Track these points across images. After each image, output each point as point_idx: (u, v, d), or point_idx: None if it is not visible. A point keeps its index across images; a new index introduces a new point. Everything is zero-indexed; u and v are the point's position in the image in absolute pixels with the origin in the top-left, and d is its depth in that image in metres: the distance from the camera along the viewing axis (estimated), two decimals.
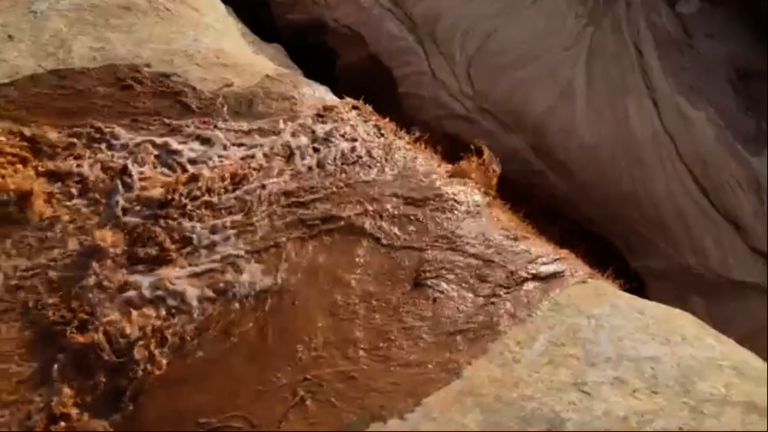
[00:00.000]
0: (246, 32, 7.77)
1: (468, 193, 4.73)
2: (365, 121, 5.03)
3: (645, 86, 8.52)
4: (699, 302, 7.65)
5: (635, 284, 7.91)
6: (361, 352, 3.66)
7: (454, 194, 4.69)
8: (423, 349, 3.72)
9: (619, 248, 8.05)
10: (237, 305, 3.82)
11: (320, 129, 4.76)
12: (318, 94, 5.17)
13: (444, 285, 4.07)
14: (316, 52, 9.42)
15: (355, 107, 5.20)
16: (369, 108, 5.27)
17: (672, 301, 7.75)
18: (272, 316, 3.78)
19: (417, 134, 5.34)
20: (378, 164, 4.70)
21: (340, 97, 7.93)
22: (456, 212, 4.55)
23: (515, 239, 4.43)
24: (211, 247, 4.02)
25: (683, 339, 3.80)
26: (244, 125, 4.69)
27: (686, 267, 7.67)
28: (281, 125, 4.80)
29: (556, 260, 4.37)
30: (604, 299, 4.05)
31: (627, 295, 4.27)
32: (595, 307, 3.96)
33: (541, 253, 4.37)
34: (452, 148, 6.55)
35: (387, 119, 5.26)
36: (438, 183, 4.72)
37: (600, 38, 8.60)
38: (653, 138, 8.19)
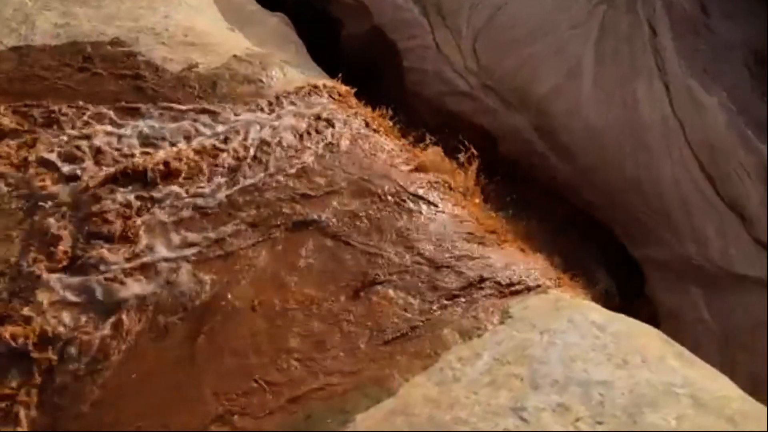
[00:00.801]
0: (248, 1, 7.44)
1: (432, 191, 4.39)
2: (337, 108, 4.69)
3: (657, 68, 8.04)
4: (697, 293, 7.31)
5: (633, 273, 7.60)
6: (294, 362, 3.44)
7: (416, 191, 4.38)
8: (359, 361, 3.48)
9: (619, 236, 7.68)
10: (170, 308, 3.59)
11: (280, 116, 4.43)
12: (290, 76, 4.83)
13: (390, 292, 3.81)
14: (320, 22, 9.05)
15: (330, 91, 4.84)
16: (346, 90, 4.92)
17: (671, 291, 7.53)
18: (205, 321, 3.55)
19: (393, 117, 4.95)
20: (337, 157, 4.40)
21: (342, 70, 7.60)
22: (416, 211, 4.25)
23: (479, 243, 4.13)
24: (148, 245, 3.77)
25: (643, 361, 3.49)
26: (204, 110, 4.39)
27: (686, 257, 7.30)
28: (240, 111, 4.50)
29: (518, 267, 4.04)
30: (563, 313, 3.75)
31: (592, 307, 3.95)
32: (551, 322, 3.66)
33: (504, 260, 4.06)
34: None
35: (364, 105, 4.90)
36: (400, 178, 4.39)
37: (612, 16, 8.11)
38: (662, 122, 7.74)
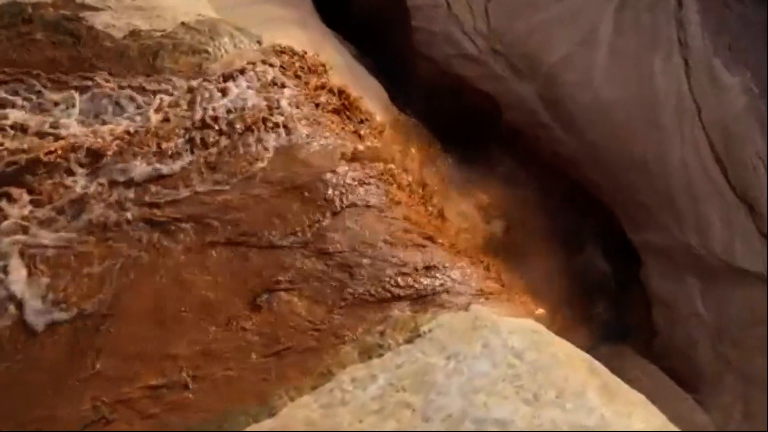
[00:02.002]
0: None
1: (365, 186, 3.95)
2: (287, 89, 4.24)
3: (678, 41, 7.44)
4: (695, 284, 6.89)
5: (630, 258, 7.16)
6: (179, 370, 3.11)
7: (342, 184, 3.94)
8: (247, 374, 3.17)
9: (619, 218, 7.21)
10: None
11: (219, 95, 4.01)
12: (243, 47, 4.36)
13: (295, 299, 3.46)
14: None
15: (288, 65, 4.38)
16: (314, 60, 4.44)
17: (666, 280, 7.08)
18: (96, 320, 3.22)
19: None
20: (264, 141, 3.98)
21: (348, 26, 7.13)
22: (339, 209, 3.81)
23: (406, 247, 3.71)
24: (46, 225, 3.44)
25: (557, 396, 3.09)
26: (137, 85, 4.00)
27: (687, 245, 6.85)
28: (177, 88, 4.08)
29: (445, 277, 3.63)
30: (480, 334, 3.35)
31: (518, 329, 3.49)
32: (462, 344, 3.28)
33: (428, 267, 3.62)
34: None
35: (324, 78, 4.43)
36: (327, 167, 3.96)
37: None
38: (676, 101, 7.21)
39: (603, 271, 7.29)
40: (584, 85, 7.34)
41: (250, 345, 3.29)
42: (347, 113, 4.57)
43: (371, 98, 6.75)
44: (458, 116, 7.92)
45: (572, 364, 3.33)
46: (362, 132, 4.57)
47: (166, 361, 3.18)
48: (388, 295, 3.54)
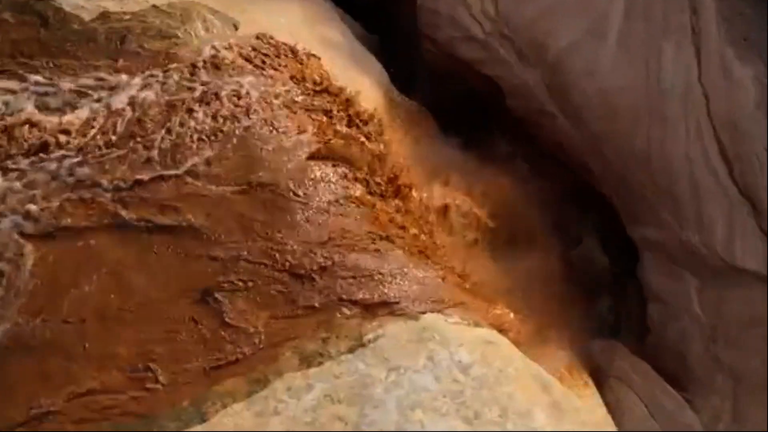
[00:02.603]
0: None
1: (327, 184, 3.83)
2: (257, 80, 4.12)
3: (691, 29, 7.15)
4: (692, 282, 6.76)
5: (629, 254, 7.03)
6: (115, 372, 3.10)
7: (299, 182, 3.79)
8: (183, 376, 3.12)
9: (619, 212, 7.07)
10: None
11: (182, 87, 3.89)
12: (216, 30, 4.22)
13: (239, 301, 3.37)
14: None
15: (264, 51, 4.24)
16: (295, 51, 4.31)
17: (664, 276, 6.95)
18: (34, 312, 3.19)
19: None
20: (220, 134, 3.84)
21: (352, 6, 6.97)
22: (296, 206, 3.70)
23: (360, 251, 3.61)
24: None
25: (500, 415, 3.03)
26: (96, 72, 3.90)
27: (686, 243, 6.70)
28: (140, 77, 3.98)
29: (400, 284, 3.52)
30: (426, 347, 3.25)
31: (471, 340, 3.38)
32: (406, 357, 3.18)
33: (382, 274, 3.52)
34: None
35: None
36: (288, 165, 3.83)
37: None
38: (684, 92, 6.96)
39: (600, 265, 7.19)
40: (590, 74, 7.11)
41: (188, 347, 3.26)
42: (331, 109, 4.44)
43: (369, 79, 6.63)
44: (461, 100, 7.78)
45: (523, 380, 3.25)
46: (341, 128, 4.43)
47: (105, 361, 3.17)
48: (336, 301, 3.48)
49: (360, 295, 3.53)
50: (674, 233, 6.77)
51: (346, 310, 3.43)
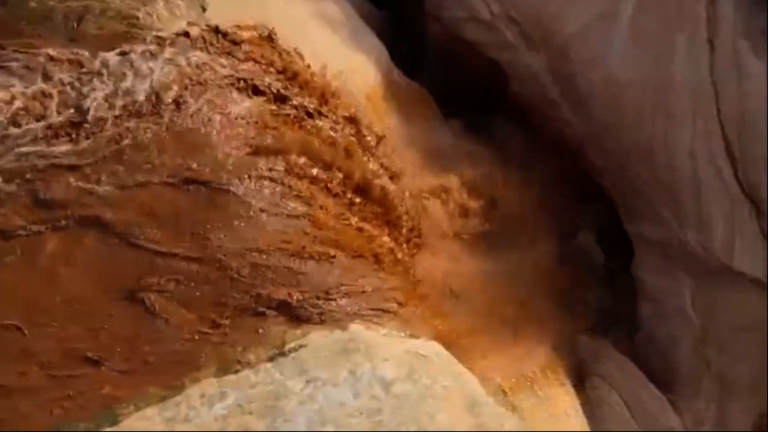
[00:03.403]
0: None
1: (269, 179, 3.64)
2: (216, 66, 3.92)
3: (706, 21, 6.82)
4: (686, 282, 6.57)
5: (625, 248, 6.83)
6: (35, 368, 3.00)
7: (246, 178, 3.60)
8: (102, 378, 3.02)
9: (618, 206, 6.84)
10: None
11: (135, 72, 3.72)
12: (180, 12, 4.02)
13: (165, 302, 3.24)
14: None
15: (228, 37, 4.03)
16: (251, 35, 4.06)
17: (658, 274, 6.75)
18: None
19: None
20: (167, 125, 3.66)
21: None
22: (232, 205, 3.52)
23: (296, 255, 3.44)
24: None
25: None
26: (47, 53, 3.73)
27: (684, 242, 6.49)
28: (87, 57, 3.80)
29: (335, 291, 3.35)
30: (349, 359, 3.10)
31: (402, 355, 3.21)
32: (326, 369, 3.04)
33: (322, 281, 3.36)
34: None
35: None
36: (231, 159, 3.64)
37: None
38: (694, 86, 6.68)
39: (595, 258, 6.99)
40: (598, 62, 6.84)
41: (111, 347, 3.17)
42: (298, 101, 4.23)
43: (366, 58, 6.44)
44: (466, 83, 7.54)
45: (450, 399, 3.09)
46: (307, 121, 4.23)
47: (25, 358, 3.09)
48: (264, 307, 3.35)
49: (289, 303, 3.38)
50: (672, 231, 6.56)
51: (272, 317, 3.31)
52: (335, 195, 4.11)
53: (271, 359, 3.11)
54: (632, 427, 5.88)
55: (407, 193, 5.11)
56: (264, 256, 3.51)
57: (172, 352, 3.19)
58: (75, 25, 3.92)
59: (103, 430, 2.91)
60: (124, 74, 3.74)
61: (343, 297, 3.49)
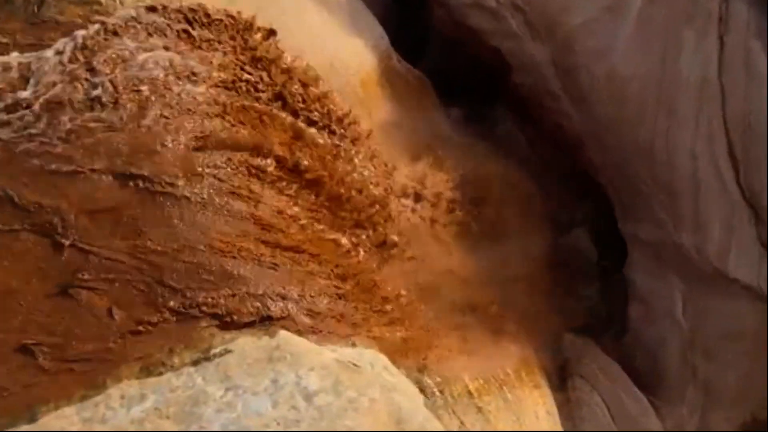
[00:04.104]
0: None
1: (214, 176, 3.48)
2: (175, 50, 3.75)
3: (718, 18, 6.55)
4: (678, 286, 6.40)
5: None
6: None
7: (188, 176, 3.46)
8: (26, 374, 2.94)
9: (614, 204, 6.65)
10: None
11: (91, 55, 3.58)
12: None
13: (96, 298, 3.15)
14: None
15: (190, 18, 3.85)
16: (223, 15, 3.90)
17: (650, 276, 6.57)
18: None
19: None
20: (111, 119, 3.52)
21: None
22: (172, 203, 3.39)
23: (238, 257, 3.31)
24: None
25: None
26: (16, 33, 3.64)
27: (678, 245, 6.31)
28: (48, 40, 3.67)
29: (266, 295, 3.23)
30: (274, 367, 2.99)
31: (330, 365, 3.07)
32: (249, 376, 2.93)
33: (260, 284, 3.24)
34: None
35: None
36: (174, 155, 3.50)
37: None
38: (700, 85, 6.44)
39: (588, 256, 6.82)
40: (602, 55, 6.61)
41: (36, 344, 3.10)
42: (263, 92, 4.07)
43: (362, 42, 6.28)
44: (467, 71, 7.36)
45: (375, 413, 2.97)
46: (272, 113, 4.06)
47: None
48: (195, 309, 3.25)
49: (220, 306, 3.28)
50: (667, 232, 6.37)
51: (202, 320, 3.21)
52: (292, 196, 3.95)
53: (195, 363, 3.03)
54: (612, 429, 5.77)
55: (387, 190, 4.97)
56: (199, 257, 3.40)
57: (100, 349, 3.11)
58: (35, 9, 3.81)
59: (19, 428, 2.85)
60: (71, 61, 3.61)
61: (278, 301, 3.36)
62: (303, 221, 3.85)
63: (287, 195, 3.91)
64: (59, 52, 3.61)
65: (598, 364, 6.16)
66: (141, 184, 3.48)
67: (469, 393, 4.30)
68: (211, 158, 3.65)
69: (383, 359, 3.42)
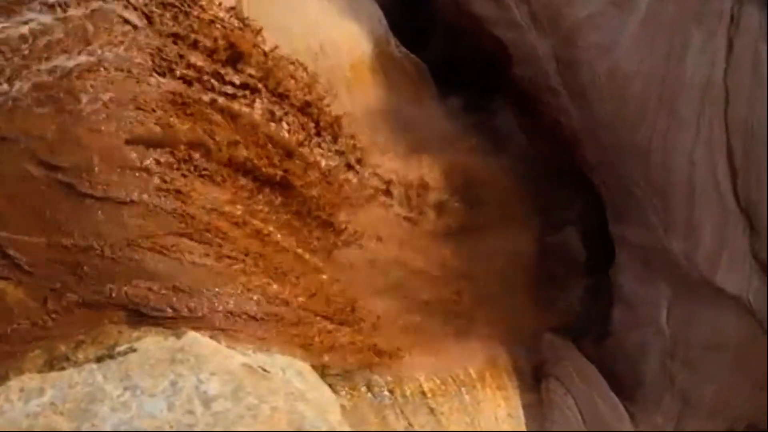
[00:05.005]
0: None
1: (142, 170, 3.35)
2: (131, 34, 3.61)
3: (730, 18, 6.26)
4: (664, 292, 6.23)
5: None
6: None
7: (115, 169, 3.34)
8: None
9: (605, 205, 6.45)
10: None
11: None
12: None
13: (10, 287, 3.08)
14: None
15: None
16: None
17: (636, 281, 6.39)
18: None
19: None
20: (43, 102, 3.39)
21: None
22: (95, 196, 3.27)
23: (159, 253, 3.21)
24: None
25: None
26: None
27: (667, 250, 6.14)
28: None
29: (179, 295, 3.13)
30: (174, 369, 2.90)
31: (235, 370, 2.97)
32: (150, 376, 2.85)
33: (165, 281, 3.13)
34: None
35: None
36: (101, 147, 3.37)
37: None
38: (704, 87, 6.20)
39: (576, 256, 6.65)
40: (606, 51, 6.37)
41: None
42: (225, 81, 3.93)
43: (358, 27, 6.12)
44: (468, 60, 7.14)
45: (273, 422, 2.89)
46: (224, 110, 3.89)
47: None
48: (106, 304, 3.18)
49: (130, 301, 3.20)
50: (657, 237, 6.16)
51: (113, 316, 3.15)
52: (232, 193, 3.82)
53: (99, 360, 2.98)
54: None
55: (357, 179, 4.83)
56: (117, 253, 3.32)
57: (5, 342, 3.08)
58: None
59: None
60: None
61: (192, 300, 3.28)
62: (242, 219, 3.74)
63: (228, 192, 3.78)
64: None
65: (575, 366, 6.04)
66: (63, 175, 3.41)
67: (423, 393, 4.22)
68: (143, 153, 3.54)
69: (300, 365, 3.34)
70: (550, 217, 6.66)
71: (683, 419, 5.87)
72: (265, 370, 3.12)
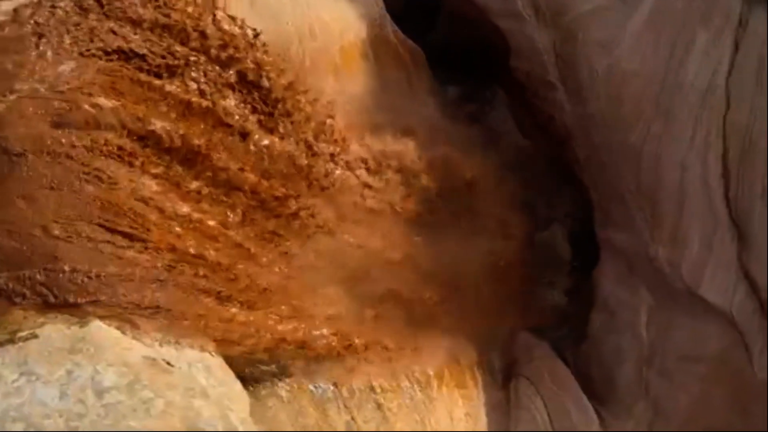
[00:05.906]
0: None
1: (67, 156, 3.24)
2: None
3: (738, 19, 5.97)
4: (645, 299, 6.08)
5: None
6: None
7: (42, 153, 3.24)
8: None
9: (594, 206, 6.26)
10: None
11: None
12: None
13: None
14: None
15: None
16: None
17: (618, 285, 6.22)
18: None
19: None
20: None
21: None
22: (20, 179, 3.18)
23: (77, 240, 3.12)
24: None
25: None
26: None
27: (652, 257, 5.95)
28: None
29: (92, 282, 3.05)
30: (72, 359, 2.82)
31: (135, 363, 2.89)
32: (47, 365, 2.78)
33: (80, 269, 3.06)
34: None
35: None
36: (32, 132, 3.28)
37: None
38: (704, 91, 5.95)
39: (560, 255, 6.49)
40: (606, 48, 6.14)
41: None
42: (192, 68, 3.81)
43: (353, 10, 5.96)
44: (468, 49, 6.95)
45: (166, 417, 2.78)
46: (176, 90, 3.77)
47: None
48: (19, 289, 3.13)
49: (41, 288, 3.15)
50: (642, 242, 5.97)
51: (21, 298, 3.10)
52: (167, 179, 3.71)
53: (11, 342, 2.95)
54: None
55: (332, 163, 4.71)
56: (29, 238, 3.26)
57: None
58: None
59: None
60: None
61: (106, 290, 3.22)
62: (172, 206, 3.64)
63: (161, 179, 3.69)
64: None
65: (548, 367, 5.92)
66: (6, 162, 3.34)
67: (372, 388, 4.14)
68: (68, 136, 3.46)
69: (211, 360, 3.27)
70: (539, 214, 6.49)
71: (655, 427, 5.73)
72: (169, 364, 3.07)
